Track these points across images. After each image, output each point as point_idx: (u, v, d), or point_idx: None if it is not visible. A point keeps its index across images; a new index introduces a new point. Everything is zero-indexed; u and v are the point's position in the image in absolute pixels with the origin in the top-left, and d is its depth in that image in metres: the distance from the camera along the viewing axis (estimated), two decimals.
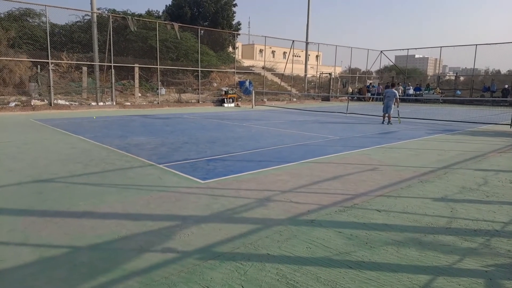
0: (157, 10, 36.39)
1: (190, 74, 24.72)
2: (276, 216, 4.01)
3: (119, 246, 3.21)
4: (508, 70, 34.15)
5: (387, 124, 13.86)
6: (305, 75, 32.07)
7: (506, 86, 27.74)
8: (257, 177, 5.66)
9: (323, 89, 33.21)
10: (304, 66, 32.33)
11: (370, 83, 34.34)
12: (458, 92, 31.20)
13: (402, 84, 32.77)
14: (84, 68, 19.28)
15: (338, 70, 41.59)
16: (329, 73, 32.84)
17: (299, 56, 42.13)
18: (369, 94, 31.86)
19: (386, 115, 14.08)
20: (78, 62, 19.87)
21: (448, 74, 47.60)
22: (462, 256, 3.14)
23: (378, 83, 34.53)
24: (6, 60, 17.33)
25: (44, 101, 17.14)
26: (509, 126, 13.36)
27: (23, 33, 20.14)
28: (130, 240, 3.35)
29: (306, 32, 31.02)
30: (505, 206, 4.52)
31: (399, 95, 14.30)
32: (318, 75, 33.54)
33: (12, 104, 15.85)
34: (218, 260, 2.99)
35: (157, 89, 21.68)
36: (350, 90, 33.65)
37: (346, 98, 26.51)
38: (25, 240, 3.28)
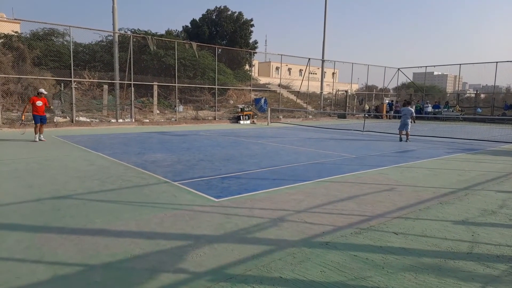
0: (176, 29, 37.52)
1: (207, 92, 25.17)
2: (289, 237, 3.95)
3: (132, 266, 3.22)
4: None
5: (405, 141, 13.67)
6: (321, 92, 32.08)
7: None
8: (271, 195, 5.62)
9: (339, 106, 33.08)
10: (320, 83, 32.40)
11: (392, 101, 33.97)
12: (479, 110, 30.47)
13: (420, 102, 32.27)
14: (105, 86, 19.90)
15: (355, 87, 41.44)
16: (345, 90, 32.76)
17: (315, 74, 42.26)
18: (392, 112, 31.24)
19: (403, 132, 13.92)
20: (100, 81, 20.55)
21: (468, 92, 46.67)
22: (484, 284, 3.00)
23: (396, 101, 34.16)
24: (31, 78, 18.09)
25: (66, 118, 17.69)
26: None
27: (48, 51, 21.10)
28: (143, 259, 3.35)
29: (322, 50, 31.22)
30: None
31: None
32: (334, 92, 33.50)
33: None
34: (230, 282, 2.95)
35: (175, 106, 22.10)
36: (367, 107, 33.39)
37: (363, 115, 26.29)
38: (41, 258, 3.33)
